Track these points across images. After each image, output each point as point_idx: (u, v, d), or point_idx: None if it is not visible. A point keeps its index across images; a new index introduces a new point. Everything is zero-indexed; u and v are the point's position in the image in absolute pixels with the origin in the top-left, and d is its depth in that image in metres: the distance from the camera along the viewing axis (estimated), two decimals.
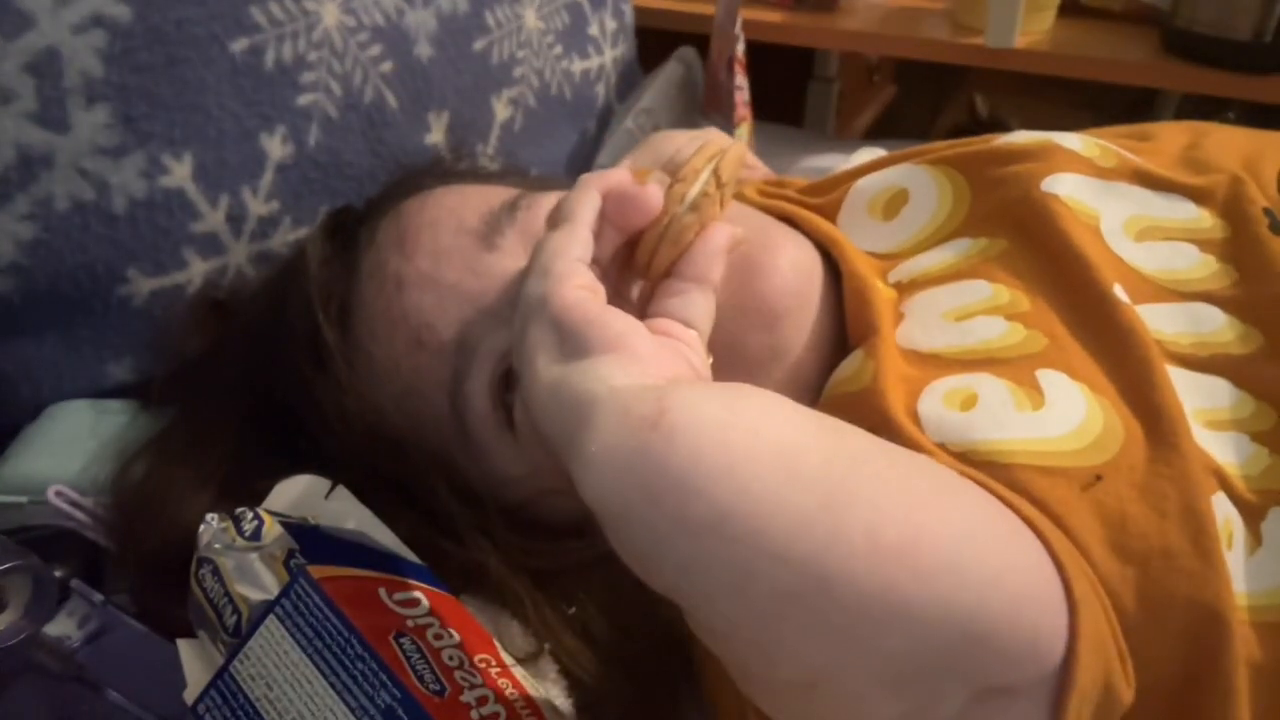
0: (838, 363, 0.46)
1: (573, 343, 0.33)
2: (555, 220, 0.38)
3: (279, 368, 0.51)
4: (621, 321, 0.34)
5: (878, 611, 0.28)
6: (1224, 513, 0.38)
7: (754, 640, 0.29)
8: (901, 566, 0.28)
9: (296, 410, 0.50)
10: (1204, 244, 0.47)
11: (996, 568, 0.31)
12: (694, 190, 0.39)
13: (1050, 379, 0.41)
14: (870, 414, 0.42)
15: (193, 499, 0.49)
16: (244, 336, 0.55)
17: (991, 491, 0.35)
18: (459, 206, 0.50)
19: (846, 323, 0.47)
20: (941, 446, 0.40)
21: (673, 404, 0.29)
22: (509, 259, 0.47)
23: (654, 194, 0.39)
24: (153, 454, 0.53)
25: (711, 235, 0.40)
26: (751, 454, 0.29)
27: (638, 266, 0.40)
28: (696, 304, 0.39)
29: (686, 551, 0.28)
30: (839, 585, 0.28)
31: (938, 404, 0.42)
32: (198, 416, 0.55)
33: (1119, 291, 0.44)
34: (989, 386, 0.42)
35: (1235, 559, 0.37)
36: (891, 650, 0.28)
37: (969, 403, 0.41)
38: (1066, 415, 0.40)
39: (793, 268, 0.47)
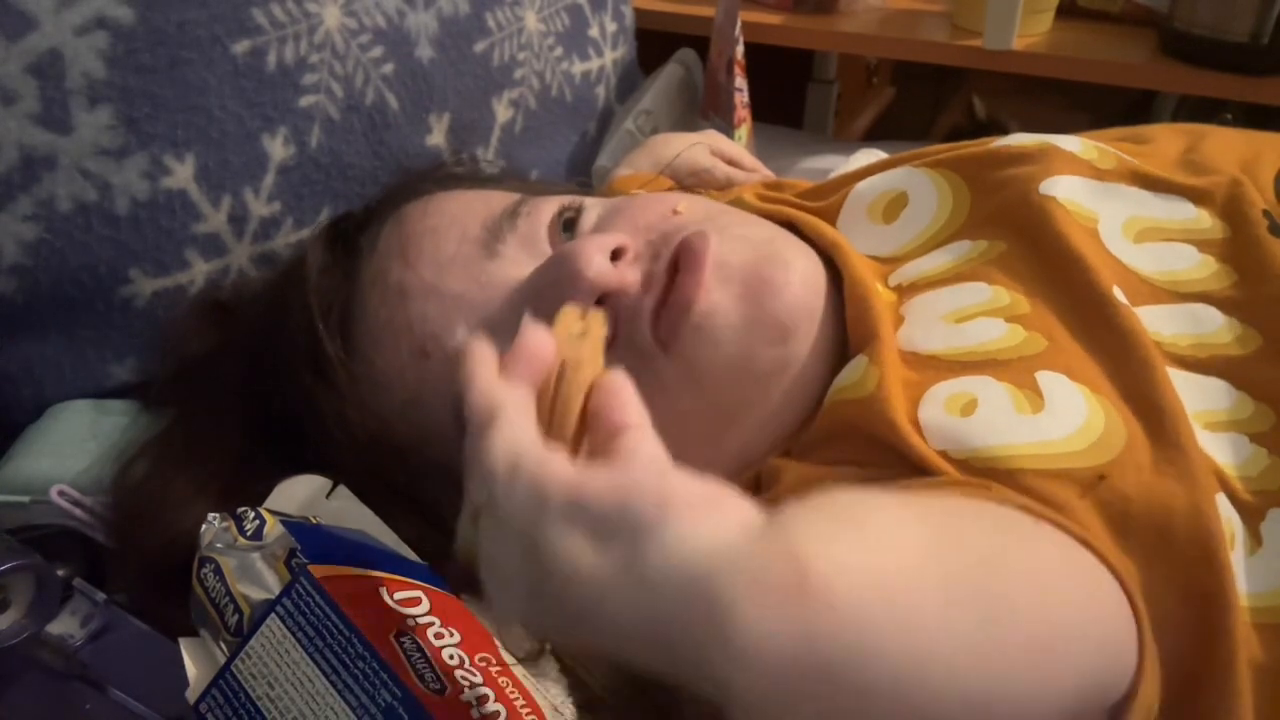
0: (839, 365, 0.47)
1: (612, 525, 0.26)
2: (481, 418, 0.30)
3: (280, 376, 0.51)
4: (646, 470, 0.28)
5: (1042, 709, 0.28)
6: (1225, 514, 0.38)
7: None
8: (1046, 658, 0.29)
9: (298, 417, 0.50)
10: (1203, 244, 0.47)
11: (1102, 619, 0.32)
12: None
13: (1050, 380, 0.42)
14: (876, 422, 0.42)
15: (191, 502, 0.49)
16: (244, 344, 0.55)
17: (1049, 520, 0.36)
18: (460, 213, 0.50)
19: (847, 327, 0.47)
20: (944, 454, 0.40)
21: (807, 558, 0.25)
22: (512, 267, 0.47)
23: (539, 338, 0.33)
24: (152, 456, 0.53)
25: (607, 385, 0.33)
26: (907, 594, 0.26)
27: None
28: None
29: (864, 718, 0.26)
30: (1002, 701, 0.27)
31: (939, 411, 0.42)
32: (198, 419, 0.55)
33: (1118, 293, 0.44)
34: (988, 390, 0.42)
35: (1236, 560, 0.37)
36: None
37: (969, 408, 0.41)
38: (1067, 417, 0.40)
39: (803, 283, 0.46)
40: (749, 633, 0.24)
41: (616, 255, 0.45)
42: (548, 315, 0.45)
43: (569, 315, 0.37)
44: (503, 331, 0.46)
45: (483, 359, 0.32)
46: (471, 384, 0.32)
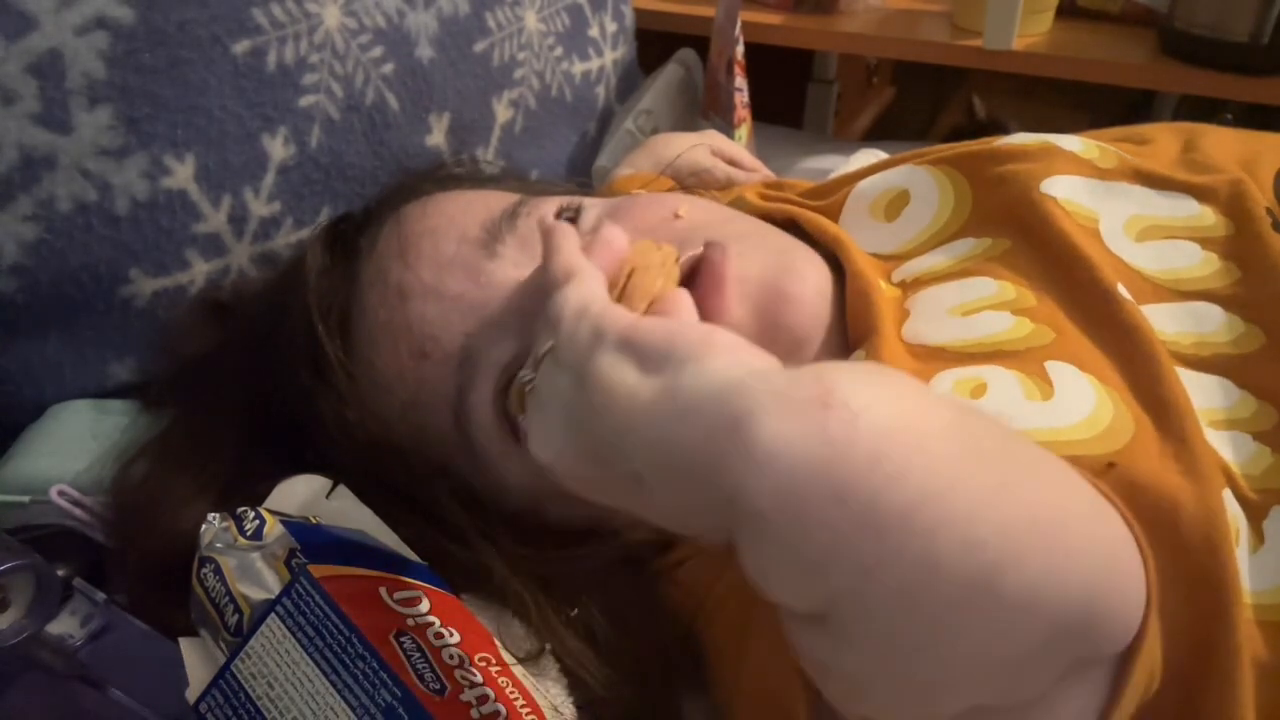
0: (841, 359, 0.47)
1: (659, 356, 0.29)
2: (559, 278, 0.36)
3: (280, 377, 0.51)
4: (693, 321, 0.32)
5: (1047, 603, 0.26)
6: (1232, 510, 0.38)
7: (909, 672, 0.27)
8: (1057, 546, 0.27)
9: (298, 418, 0.50)
10: (1206, 241, 0.47)
11: (1112, 542, 0.31)
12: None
13: (1059, 370, 0.42)
14: None
15: (191, 502, 0.49)
16: (244, 345, 0.55)
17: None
18: (459, 214, 0.50)
19: (848, 323, 0.47)
20: None
21: (835, 380, 0.26)
22: (511, 268, 0.47)
23: (617, 234, 0.40)
24: (152, 456, 0.53)
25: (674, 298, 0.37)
26: (932, 431, 0.26)
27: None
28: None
29: (870, 551, 0.25)
30: (1009, 574, 0.25)
31: (947, 392, 0.42)
32: (198, 419, 0.55)
33: (1122, 290, 0.44)
34: (998, 377, 0.42)
35: (1240, 557, 0.37)
36: (1037, 639, 0.27)
37: (978, 391, 0.41)
38: (1076, 405, 0.40)
39: (817, 293, 0.47)
40: (769, 435, 0.25)
41: None
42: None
43: (645, 244, 0.42)
44: (504, 331, 0.46)
45: (567, 233, 0.38)
46: (555, 252, 0.37)
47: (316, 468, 0.49)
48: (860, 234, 0.54)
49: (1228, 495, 0.38)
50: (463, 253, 0.48)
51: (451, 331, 0.46)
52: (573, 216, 0.50)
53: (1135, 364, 0.42)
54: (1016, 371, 0.42)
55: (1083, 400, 0.40)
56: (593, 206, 0.51)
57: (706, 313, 0.44)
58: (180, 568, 0.47)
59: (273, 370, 0.51)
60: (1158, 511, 0.37)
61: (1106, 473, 0.37)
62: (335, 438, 0.48)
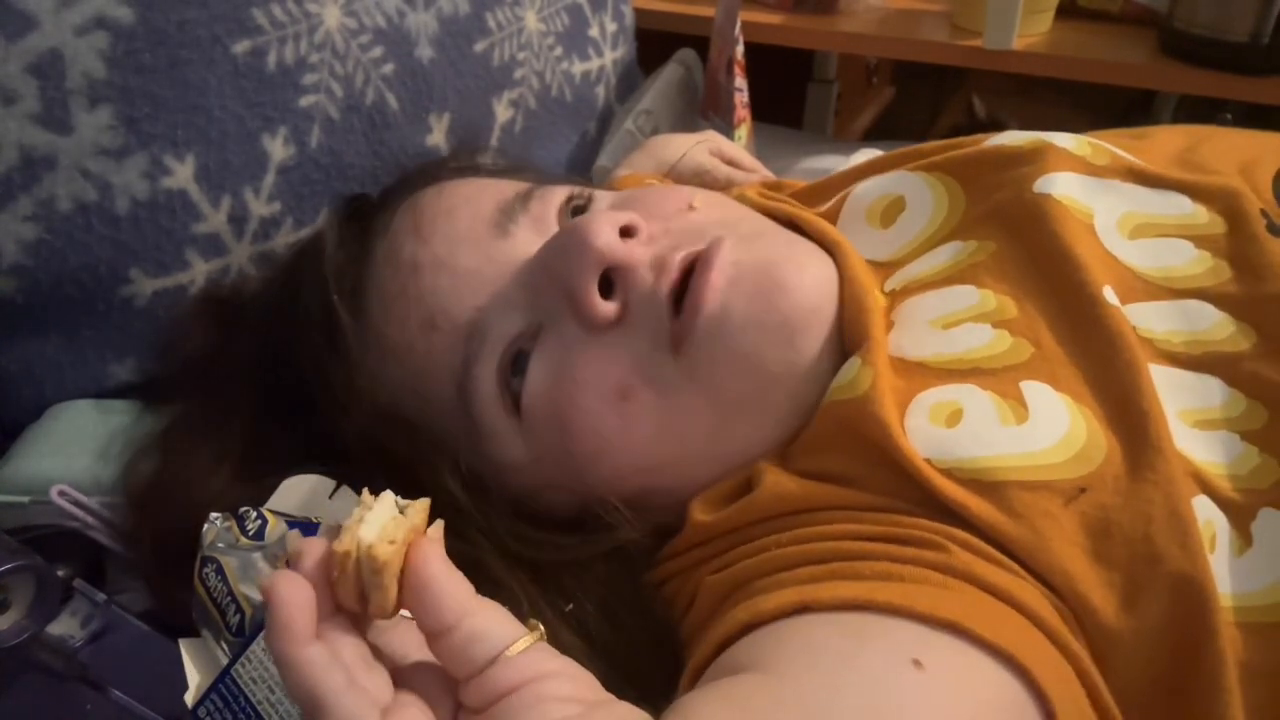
0: (839, 366, 0.47)
1: None
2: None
3: (292, 347, 0.52)
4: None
5: None
6: (1205, 515, 0.38)
7: None
8: None
9: (309, 389, 0.51)
10: (1199, 240, 0.47)
11: None
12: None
13: (1034, 391, 0.42)
14: (868, 422, 0.42)
15: (209, 480, 0.50)
16: (258, 322, 0.56)
17: (960, 627, 0.34)
18: (474, 196, 0.51)
19: (843, 328, 0.47)
20: (928, 462, 0.40)
21: None
22: (522, 247, 0.48)
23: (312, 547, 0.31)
24: (167, 441, 0.54)
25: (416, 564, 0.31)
26: None
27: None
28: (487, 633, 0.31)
29: None
30: None
31: (924, 420, 0.42)
32: (211, 402, 0.55)
33: (1109, 294, 0.44)
34: (973, 400, 0.42)
35: (1219, 561, 0.37)
36: None
37: (954, 418, 0.41)
38: (1050, 428, 0.40)
39: (815, 284, 0.46)
40: None
41: (627, 233, 0.45)
42: (554, 286, 0.45)
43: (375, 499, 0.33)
44: (512, 307, 0.47)
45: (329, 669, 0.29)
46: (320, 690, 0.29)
47: (326, 448, 0.50)
48: (857, 240, 0.54)
49: (1201, 501, 0.39)
50: (476, 230, 0.49)
51: (462, 305, 0.47)
52: (582, 205, 0.50)
53: (1113, 373, 0.42)
54: (992, 393, 0.42)
55: (1057, 423, 0.41)
56: (603, 198, 0.51)
57: (696, 297, 0.44)
58: (193, 548, 0.47)
59: (286, 341, 0.52)
60: (1130, 530, 0.38)
61: (1079, 498, 0.38)
62: (344, 406, 0.49)
